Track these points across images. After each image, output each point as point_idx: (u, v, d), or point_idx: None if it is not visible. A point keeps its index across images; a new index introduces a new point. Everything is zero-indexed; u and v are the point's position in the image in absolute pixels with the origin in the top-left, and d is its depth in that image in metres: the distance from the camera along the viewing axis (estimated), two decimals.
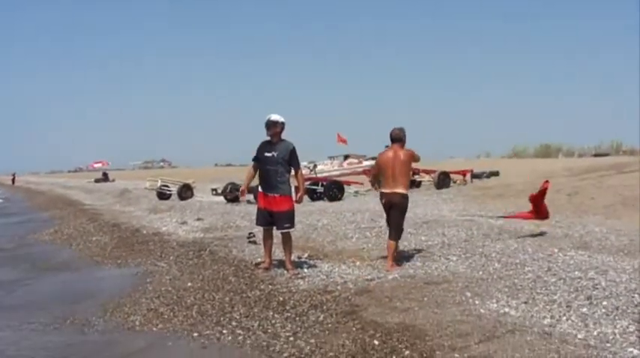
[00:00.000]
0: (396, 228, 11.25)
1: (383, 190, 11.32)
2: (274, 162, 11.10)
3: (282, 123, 11.14)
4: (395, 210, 11.22)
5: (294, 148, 11.18)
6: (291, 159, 11.17)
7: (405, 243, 13.09)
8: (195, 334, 8.65)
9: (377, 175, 11.71)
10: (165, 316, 9.56)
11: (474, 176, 32.71)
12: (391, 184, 11.12)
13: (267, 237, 11.49)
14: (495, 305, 8.09)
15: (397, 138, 11.21)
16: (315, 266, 11.34)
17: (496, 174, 33.92)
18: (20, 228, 25.33)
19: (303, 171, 32.18)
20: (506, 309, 7.88)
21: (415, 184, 32.01)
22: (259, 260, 12.05)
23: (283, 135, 11.26)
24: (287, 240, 11.24)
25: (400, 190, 11.10)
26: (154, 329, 9.15)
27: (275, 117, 11.12)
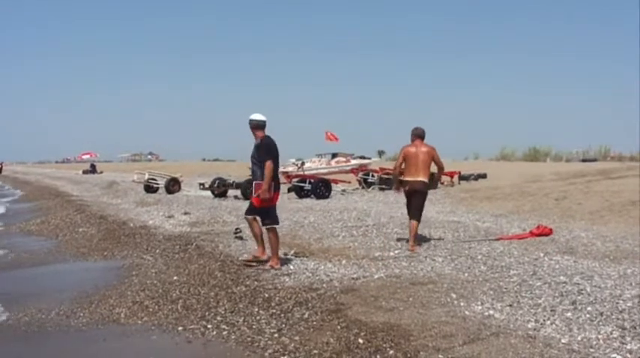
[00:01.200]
0: (418, 210, 12.94)
1: (406, 178, 12.93)
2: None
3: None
4: (417, 196, 12.92)
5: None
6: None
7: (392, 243, 13.12)
8: (180, 328, 8.64)
9: (400, 165, 13.04)
10: (151, 309, 9.55)
11: (462, 178, 32.80)
12: (414, 173, 12.79)
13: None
14: (480, 307, 8.11)
15: (420, 134, 12.92)
16: (301, 263, 11.34)
17: (484, 176, 34.03)
18: (6, 218, 25.25)
19: (291, 169, 32.00)
20: (491, 312, 7.90)
21: (367, 184, 32.18)
22: (246, 256, 12.05)
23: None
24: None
25: (421, 178, 12.77)
26: (139, 322, 9.13)
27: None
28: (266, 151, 10.94)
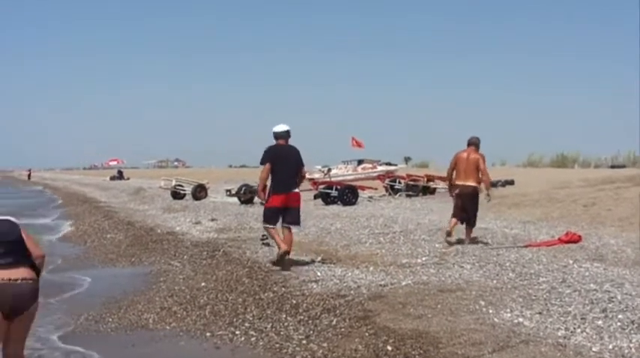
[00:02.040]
0: (471, 214, 13.87)
1: (457, 182, 13.93)
2: None
3: None
4: (466, 199, 13.78)
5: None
6: None
7: (419, 250, 13.07)
8: (208, 334, 8.68)
9: (452, 170, 14.07)
10: (179, 315, 9.61)
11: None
12: (463, 178, 13.74)
13: None
14: (509, 314, 8.05)
15: (474, 143, 13.91)
16: (328, 270, 11.32)
17: (511, 183, 33.79)
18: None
19: (317, 175, 32.04)
20: (520, 319, 7.83)
21: (429, 191, 31.95)
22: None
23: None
24: None
25: (471, 183, 13.69)
26: (167, 327, 9.20)
27: None
28: (262, 157, 11.67)
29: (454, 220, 13.96)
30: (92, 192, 50.57)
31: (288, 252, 11.41)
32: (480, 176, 13.84)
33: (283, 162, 11.59)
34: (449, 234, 13.86)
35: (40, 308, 5.99)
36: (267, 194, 11.78)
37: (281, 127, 11.80)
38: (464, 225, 14.07)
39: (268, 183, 11.72)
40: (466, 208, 13.88)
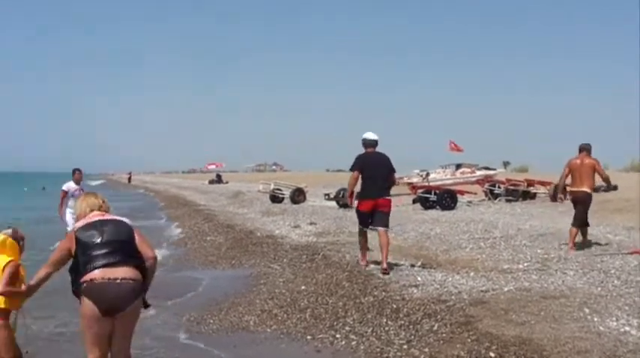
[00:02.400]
0: (580, 218, 13.89)
1: (571, 189, 14.24)
2: None
3: None
4: (579, 205, 13.93)
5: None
6: None
7: (520, 256, 12.88)
8: (309, 337, 8.75)
9: (566, 176, 14.27)
10: (279, 318, 9.71)
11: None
12: (578, 184, 13.91)
13: None
14: (615, 323, 7.85)
15: (586, 148, 14.08)
16: (428, 275, 11.26)
17: (615, 188, 32.85)
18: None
19: (415, 179, 31.84)
20: (627, 328, 7.64)
21: (530, 196, 31.36)
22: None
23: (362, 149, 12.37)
24: None
25: (585, 189, 13.82)
26: (268, 330, 9.31)
27: None
28: (352, 164, 12.18)
29: (574, 230, 13.89)
30: (192, 195, 51.47)
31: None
32: (602, 179, 14.36)
33: (372, 168, 12.00)
34: (573, 246, 13.65)
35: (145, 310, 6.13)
36: (354, 199, 12.43)
37: (371, 135, 12.26)
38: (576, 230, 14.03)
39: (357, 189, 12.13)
40: (576, 211, 14.00)
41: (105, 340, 5.81)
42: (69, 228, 16.52)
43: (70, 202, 16.60)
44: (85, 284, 5.71)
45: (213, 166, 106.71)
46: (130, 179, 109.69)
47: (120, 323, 5.80)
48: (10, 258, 6.41)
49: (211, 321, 9.87)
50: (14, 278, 6.29)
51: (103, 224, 5.95)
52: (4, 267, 6.30)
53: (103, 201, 6.29)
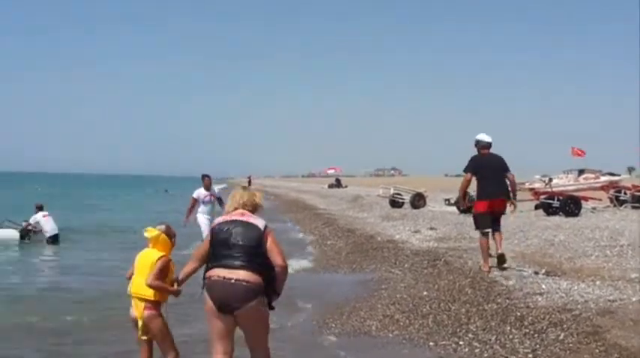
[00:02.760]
0: None
1: None
2: None
3: None
4: None
5: None
6: None
7: None
8: (432, 343, 8.73)
9: None
10: (401, 323, 9.72)
11: None
12: None
13: None
14: None
15: None
16: (553, 282, 11.05)
17: None
18: None
19: (537, 185, 31.29)
20: None
21: (619, 201, 30.28)
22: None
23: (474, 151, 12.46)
24: None
25: None
26: (390, 335, 9.33)
27: None
28: (466, 165, 12.29)
29: None
30: (311, 199, 51.98)
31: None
32: None
33: (487, 170, 12.09)
34: None
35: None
36: (466, 201, 13.00)
37: (484, 137, 12.32)
38: None
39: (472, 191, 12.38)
40: None
41: (225, 336, 6.11)
42: (204, 233, 17.04)
43: (201, 208, 17.07)
44: (206, 280, 6.14)
45: (332, 170, 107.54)
46: (249, 182, 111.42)
47: (241, 321, 6.10)
48: (161, 253, 6.74)
49: (333, 325, 9.97)
50: (164, 272, 6.64)
51: (236, 225, 6.23)
52: (155, 261, 6.64)
53: (250, 200, 6.51)
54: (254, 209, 6.48)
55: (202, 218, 16.92)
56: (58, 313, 11.19)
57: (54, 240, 22.38)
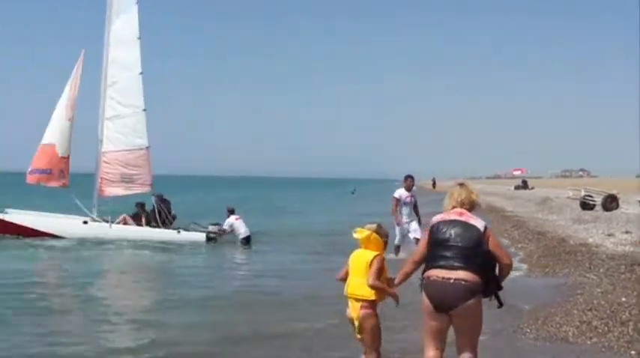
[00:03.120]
0: None
1: None
2: None
3: None
4: None
5: None
6: None
7: None
8: (633, 352, 8.41)
9: None
10: (599, 330, 9.39)
11: None
12: None
13: None
14: None
15: None
16: None
17: None
18: None
19: None
20: None
21: None
22: None
23: None
24: None
25: None
26: (588, 342, 9.05)
27: None
28: None
29: None
30: (498, 201, 51.04)
31: None
32: None
33: None
34: None
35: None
36: None
37: None
38: None
39: None
40: None
41: (439, 335, 6.22)
42: (397, 236, 17.03)
43: (402, 209, 16.95)
44: (424, 280, 6.23)
45: (519, 172, 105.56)
46: (434, 184, 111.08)
47: (457, 320, 6.16)
48: (375, 253, 6.88)
49: (528, 330, 9.77)
50: (381, 271, 6.79)
51: (455, 225, 6.30)
52: (370, 261, 6.78)
53: (468, 198, 6.56)
54: (471, 207, 6.51)
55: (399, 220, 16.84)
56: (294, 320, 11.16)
57: (246, 241, 23.21)
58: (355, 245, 7.23)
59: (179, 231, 23.97)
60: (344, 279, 7.08)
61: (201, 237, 23.92)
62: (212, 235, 23.94)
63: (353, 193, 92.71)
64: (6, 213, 24.96)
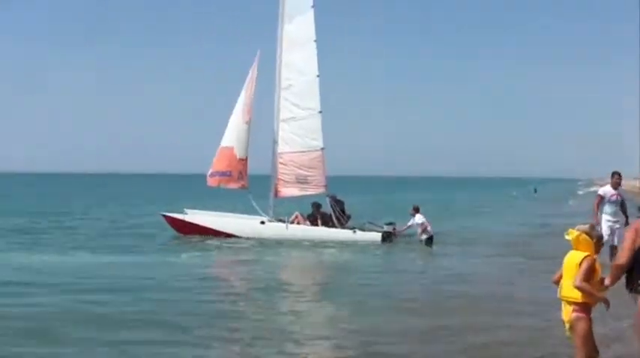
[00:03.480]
0: None
1: None
2: None
3: None
4: None
5: None
6: None
7: None
8: None
9: None
10: None
11: None
12: None
13: None
14: None
15: None
16: None
17: None
18: None
19: None
20: None
21: None
22: None
23: None
24: None
25: None
26: None
27: None
28: None
29: None
30: None
31: None
32: None
33: None
34: None
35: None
36: None
37: None
38: None
39: None
40: None
41: None
42: (605, 237, 15.91)
43: (605, 207, 15.88)
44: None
45: None
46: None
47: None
48: (585, 253, 6.53)
49: None
50: (590, 273, 6.41)
51: None
52: (580, 262, 6.44)
53: None
54: None
55: (604, 219, 15.70)
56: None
57: (429, 242, 22.90)
58: (568, 246, 6.89)
59: (355, 231, 23.99)
60: (557, 282, 6.77)
61: (376, 236, 23.88)
62: (387, 235, 23.81)
63: (535, 192, 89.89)
64: (185, 213, 25.78)
